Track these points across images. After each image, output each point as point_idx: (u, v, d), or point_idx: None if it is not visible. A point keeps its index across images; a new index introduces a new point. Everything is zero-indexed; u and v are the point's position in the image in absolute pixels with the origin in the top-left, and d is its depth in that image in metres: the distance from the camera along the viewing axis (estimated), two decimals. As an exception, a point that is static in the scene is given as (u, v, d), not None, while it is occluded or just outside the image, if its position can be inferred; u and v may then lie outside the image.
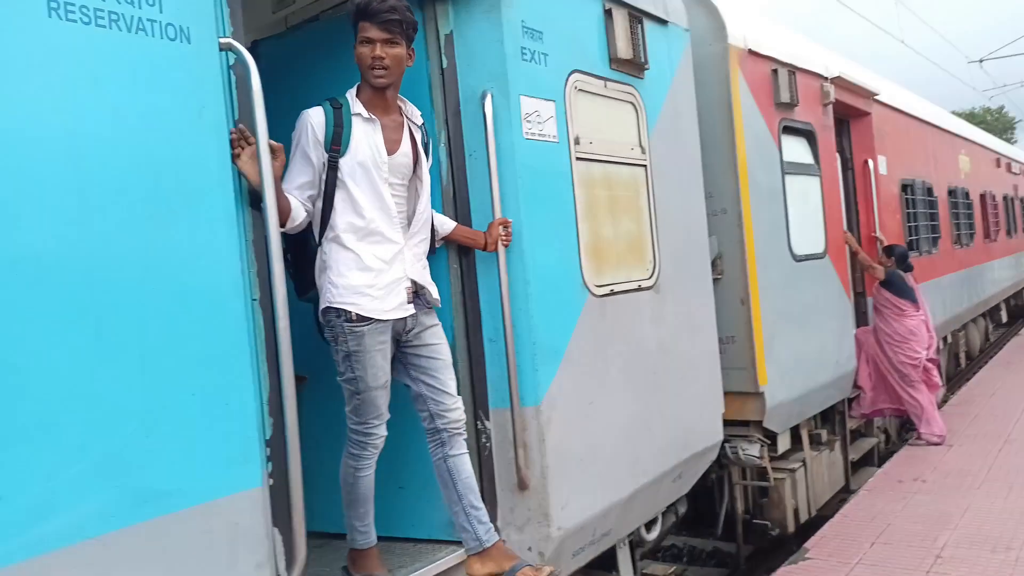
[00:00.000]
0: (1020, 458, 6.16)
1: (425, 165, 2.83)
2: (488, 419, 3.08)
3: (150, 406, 1.92)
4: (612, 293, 3.60)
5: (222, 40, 2.19)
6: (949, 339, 10.02)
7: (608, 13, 3.65)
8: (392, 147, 2.70)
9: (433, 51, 3.05)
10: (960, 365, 11.02)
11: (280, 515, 2.23)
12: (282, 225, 2.46)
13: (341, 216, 2.61)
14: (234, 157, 2.19)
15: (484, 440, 3.08)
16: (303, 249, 2.73)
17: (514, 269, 3.08)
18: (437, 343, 2.83)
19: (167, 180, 2.01)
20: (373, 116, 2.66)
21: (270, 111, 2.30)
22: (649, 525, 4.23)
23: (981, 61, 22.19)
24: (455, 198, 3.09)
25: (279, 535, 2.24)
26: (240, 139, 2.21)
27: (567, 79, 3.39)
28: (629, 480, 3.63)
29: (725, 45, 4.81)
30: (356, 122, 2.63)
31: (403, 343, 2.77)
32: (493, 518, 3.11)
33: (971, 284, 10.52)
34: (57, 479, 1.73)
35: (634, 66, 3.82)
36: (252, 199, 2.28)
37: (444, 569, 2.96)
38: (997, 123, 52.49)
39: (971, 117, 49.57)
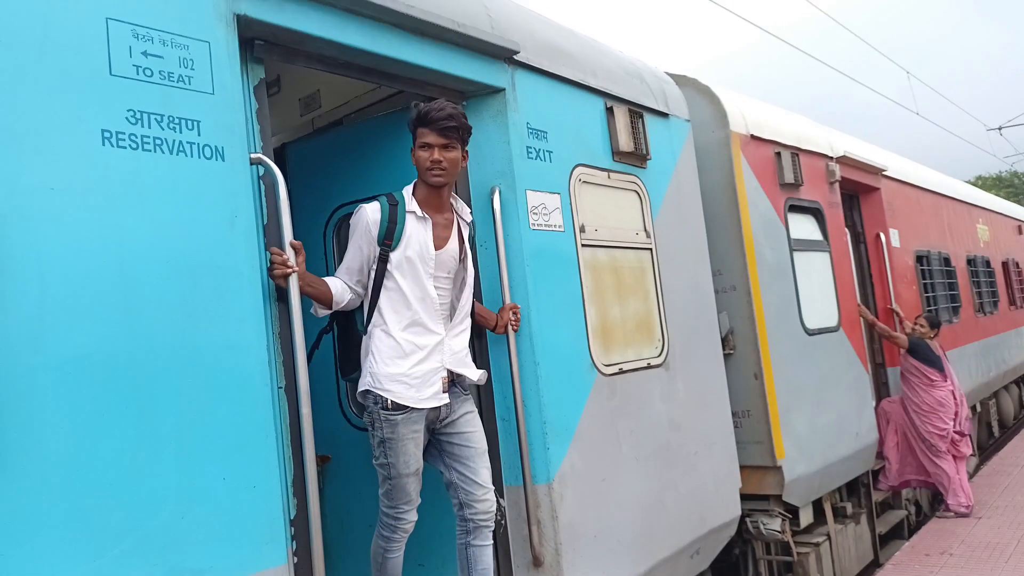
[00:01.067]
0: (1052, 530, 6.05)
1: (469, 260, 3.02)
2: (503, 496, 3.21)
3: (185, 490, 2.10)
4: (621, 372, 3.76)
5: (252, 156, 2.46)
6: (979, 408, 9.90)
7: (610, 111, 3.92)
8: (440, 243, 2.90)
9: (446, 153, 3.31)
10: (993, 434, 10.83)
11: (303, 591, 2.37)
12: (327, 307, 2.78)
13: (387, 305, 2.80)
14: (272, 273, 2.45)
15: (499, 517, 3.19)
16: (350, 332, 2.96)
17: (524, 350, 3.26)
18: (471, 431, 2.95)
19: (203, 282, 2.24)
20: (426, 215, 2.88)
21: (297, 207, 2.56)
22: (668, 603, 4.25)
23: (1000, 129, 22.37)
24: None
25: (302, 611, 2.37)
26: (280, 262, 2.47)
27: (571, 172, 3.65)
28: (645, 556, 3.70)
29: (727, 132, 5.07)
30: (409, 219, 2.84)
31: (437, 430, 2.91)
32: (508, 597, 3.21)
33: (998, 352, 10.44)
34: (104, 557, 1.91)
35: (636, 157, 4.07)
36: (282, 293, 2.52)
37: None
38: (1024, 186, 52.21)
39: (999, 181, 49.46)
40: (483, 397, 3.26)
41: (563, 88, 3.71)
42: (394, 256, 2.81)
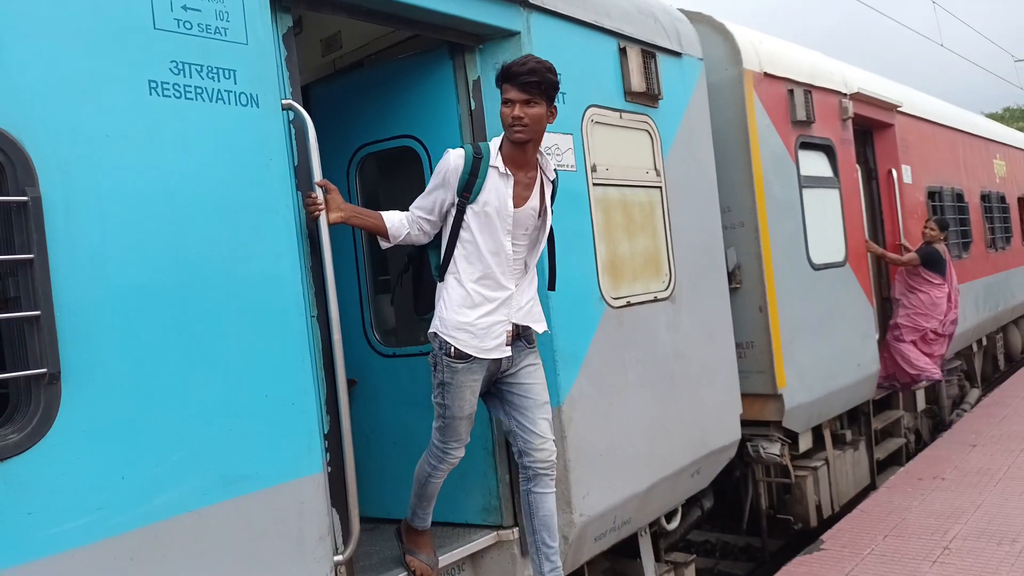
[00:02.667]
0: (1043, 458, 6.32)
1: (549, 218, 3.05)
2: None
3: (231, 406, 2.36)
4: (629, 304, 3.97)
5: (284, 102, 2.64)
6: (984, 341, 10.09)
7: (623, 51, 4.02)
8: (519, 201, 2.91)
9: (463, 95, 3.47)
10: (999, 367, 11.04)
11: (337, 498, 2.67)
12: (385, 239, 2.93)
13: (461, 256, 2.86)
14: (311, 212, 2.66)
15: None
16: (425, 273, 3.06)
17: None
18: (532, 383, 3.03)
19: (243, 220, 2.46)
20: (508, 171, 2.87)
21: (321, 147, 2.75)
22: (670, 516, 4.57)
23: (1028, 58, 21.77)
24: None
25: (336, 514, 2.67)
26: (311, 202, 2.68)
27: (584, 113, 3.78)
28: (647, 474, 3.99)
29: (740, 70, 5.14)
30: (491, 174, 2.85)
31: (499, 379, 3.02)
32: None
33: (1007, 287, 10.54)
34: (164, 463, 2.19)
35: (648, 97, 4.19)
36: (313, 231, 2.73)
37: (478, 550, 3.38)
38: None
39: (1026, 112, 48.12)
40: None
41: (577, 30, 3.81)
42: (471, 209, 2.83)
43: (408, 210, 2.96)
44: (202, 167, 2.37)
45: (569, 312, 3.58)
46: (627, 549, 4.31)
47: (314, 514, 2.52)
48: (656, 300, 4.18)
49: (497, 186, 2.85)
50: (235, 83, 2.47)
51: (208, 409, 2.30)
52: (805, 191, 5.66)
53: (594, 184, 3.81)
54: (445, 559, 3.18)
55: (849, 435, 6.47)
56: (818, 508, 5.82)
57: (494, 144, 2.91)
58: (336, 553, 2.61)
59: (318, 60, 4.13)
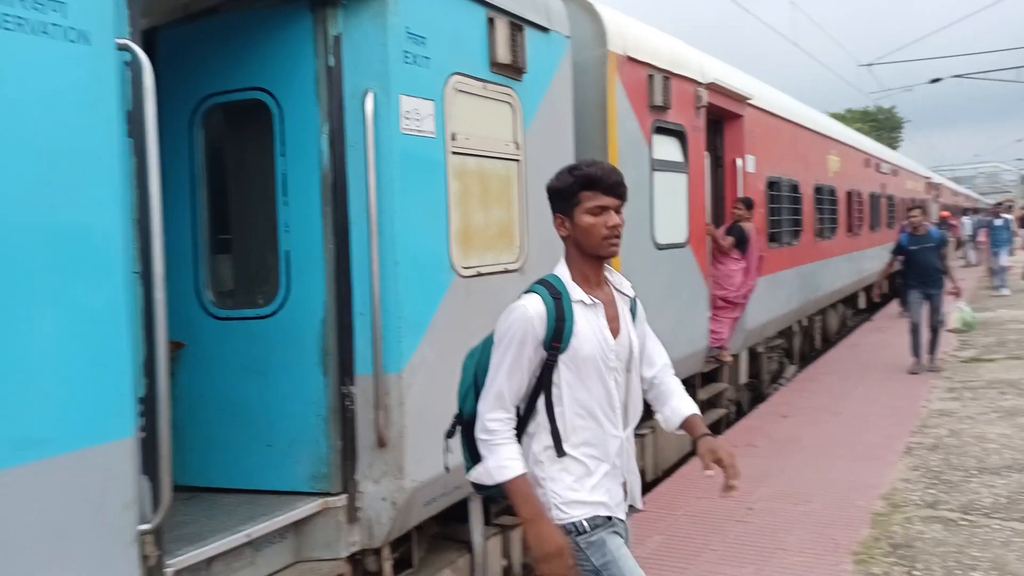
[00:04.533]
0: (841, 429, 7.06)
1: (649, 339, 2.63)
2: (353, 384, 3.47)
3: (33, 364, 2.20)
4: (479, 275, 4.03)
5: (119, 41, 2.44)
6: (805, 322, 11.04)
7: (491, 21, 4.01)
8: (615, 328, 2.40)
9: (321, 50, 3.35)
10: (816, 347, 12.15)
11: (149, 465, 2.56)
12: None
13: (560, 420, 2.32)
14: None
15: (348, 403, 3.47)
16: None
17: (385, 251, 3.44)
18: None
19: (62, 167, 2.27)
20: (596, 300, 2.37)
21: (166, 93, 2.56)
22: (504, 480, 4.73)
23: (870, 65, 23.65)
24: (335, 185, 3.42)
25: (147, 482, 2.57)
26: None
27: (447, 80, 3.75)
28: (483, 440, 4.10)
29: (605, 51, 5.26)
30: (577, 310, 2.32)
31: None
32: (352, 472, 3.51)
33: (829, 273, 11.56)
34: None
35: (513, 70, 4.21)
36: (141, 180, 2.55)
37: (305, 516, 3.37)
38: (888, 122, 55.82)
39: (865, 115, 52.51)
40: (342, 291, 3.45)
41: (446, -6, 3.75)
42: (565, 360, 2.30)
43: (495, 420, 2.32)
44: (17, 106, 2.16)
45: (417, 279, 3.59)
46: (458, 513, 4.44)
47: (120, 481, 2.41)
48: (506, 271, 4.26)
49: (589, 320, 2.34)
50: (64, 17, 2.26)
51: (4, 366, 2.14)
52: (656, 174, 5.92)
53: (452, 152, 3.80)
54: (265, 527, 3.14)
55: (677, 405, 6.91)
56: (643, 473, 6.23)
57: (563, 275, 2.39)
58: (142, 522, 2.52)
59: (169, 2, 3.84)
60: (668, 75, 5.92)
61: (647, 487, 6.09)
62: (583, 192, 2.35)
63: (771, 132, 8.74)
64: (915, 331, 9.39)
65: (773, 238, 8.87)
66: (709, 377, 7.88)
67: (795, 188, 9.68)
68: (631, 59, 5.48)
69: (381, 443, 3.50)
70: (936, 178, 31.54)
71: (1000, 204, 19.57)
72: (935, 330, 9.45)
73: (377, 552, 3.65)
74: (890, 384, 8.88)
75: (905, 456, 6.19)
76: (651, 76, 5.71)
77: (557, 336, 2.27)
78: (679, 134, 6.30)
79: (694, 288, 6.69)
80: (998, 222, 17.60)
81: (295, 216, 3.49)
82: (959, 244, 28.65)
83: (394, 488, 3.53)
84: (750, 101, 7.75)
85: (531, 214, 4.45)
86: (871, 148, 15.95)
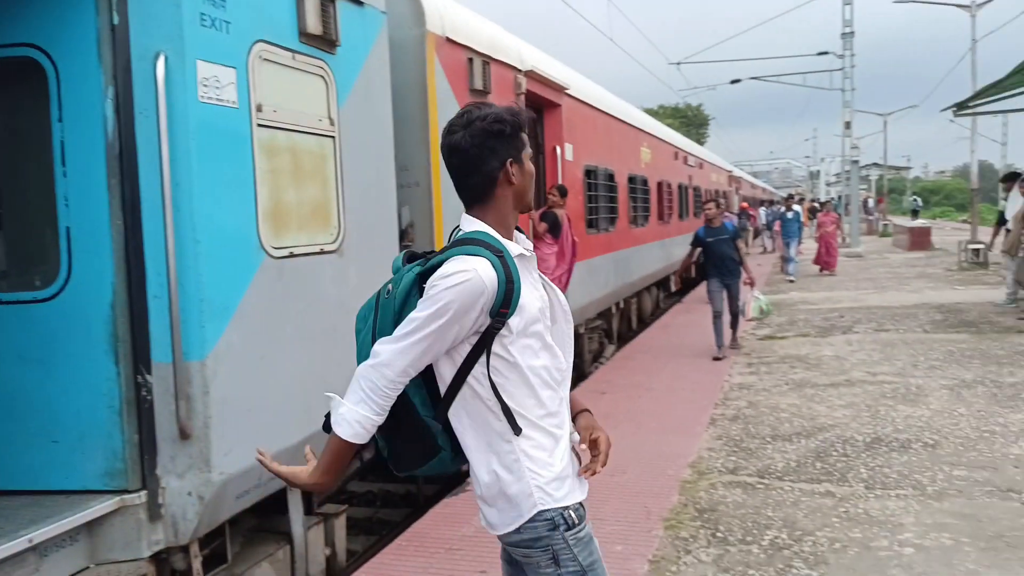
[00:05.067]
0: (654, 404, 7.47)
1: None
2: (150, 373, 3.19)
3: None
4: (292, 255, 3.84)
5: None
6: (622, 304, 11.61)
7: (299, -12, 3.82)
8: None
9: (104, 7, 3.03)
10: (632, 327, 12.83)
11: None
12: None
13: (519, 391, 1.98)
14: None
15: (145, 393, 3.19)
16: (405, 420, 2.03)
17: (183, 228, 3.19)
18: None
19: None
20: (530, 251, 2.08)
21: None
22: (325, 470, 4.58)
23: (679, 64, 25.29)
24: (121, 155, 3.12)
25: None
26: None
27: (251, 48, 3.53)
28: (301, 428, 3.93)
29: (423, 31, 5.20)
30: (519, 265, 1.99)
31: None
32: (153, 466, 3.25)
33: (643, 259, 12.23)
34: None
35: (325, 42, 4.04)
36: None
37: (99, 516, 3.06)
38: (696, 119, 60.10)
39: (676, 111, 56.25)
40: (134, 273, 3.15)
41: (247, -44, 3.53)
42: (514, 324, 1.96)
43: (364, 374, 1.95)
44: None
45: (221, 260, 3.35)
46: (279, 504, 4.25)
47: None
48: (323, 252, 4.10)
49: (527, 278, 2.04)
50: None
51: None
52: (478, 157, 5.94)
53: (259, 125, 3.59)
54: (50, 530, 2.83)
55: (502, 387, 7.03)
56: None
57: (484, 228, 2.02)
58: None
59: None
60: (488, 59, 5.97)
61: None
62: (522, 135, 2.07)
63: (588, 122, 9.07)
64: (717, 318, 9.59)
65: (591, 224, 9.23)
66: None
67: (611, 177, 10.13)
68: (450, 40, 5.46)
69: (184, 435, 3.25)
70: (737, 172, 34.37)
71: (791, 197, 21.57)
72: (734, 316, 9.84)
73: (185, 549, 3.41)
74: (697, 361, 9.53)
75: (710, 427, 6.65)
76: (471, 59, 5.72)
77: (506, 300, 1.93)
78: (500, 119, 6.36)
79: (517, 271, 6.80)
80: (789, 214, 19.26)
81: (76, 189, 3.15)
82: (757, 233, 31.38)
83: (200, 482, 3.29)
84: (568, 91, 7.99)
85: (348, 193, 4.31)
86: (680, 142, 17.06)
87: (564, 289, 7.72)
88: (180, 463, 3.30)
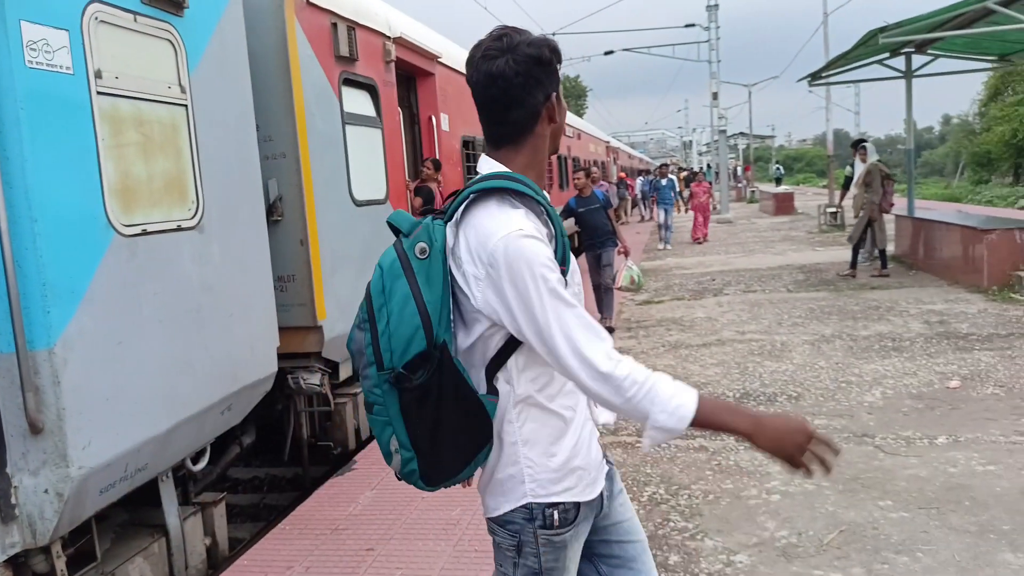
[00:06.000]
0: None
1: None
2: (-13, 365, 2.92)
3: None
4: (145, 233, 3.60)
5: None
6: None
7: (138, -56, 3.54)
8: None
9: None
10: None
11: None
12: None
13: (536, 363, 1.72)
14: None
15: (-18, 386, 2.92)
16: (453, 404, 1.69)
17: (17, 204, 2.92)
18: (630, 517, 2.01)
19: None
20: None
21: None
22: (198, 457, 4.38)
23: (554, 34, 25.45)
24: (-64, 126, 2.81)
25: None
26: None
27: (84, 9, 3.25)
28: (166, 416, 3.72)
29: (282, -7, 4.95)
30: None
31: (593, 527, 1.92)
32: (2, 465, 3.01)
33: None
34: None
35: (170, 3, 3.78)
36: None
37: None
38: (574, 90, 60.94)
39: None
40: (-40, 255, 2.86)
41: (76, -94, 3.23)
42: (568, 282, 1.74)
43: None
44: None
45: (64, 239, 3.10)
46: (151, 496, 4.03)
47: None
48: (180, 229, 3.87)
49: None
50: None
51: None
52: (348, 127, 5.77)
53: (99, 93, 3.32)
54: None
55: (389, 362, 6.93)
56: (357, 432, 6.16)
57: (518, 175, 1.75)
58: None
59: None
60: (353, 25, 5.77)
61: (361, 444, 6.04)
62: (556, 80, 1.80)
63: (465, 92, 8.94)
64: (597, 289, 9.41)
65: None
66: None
67: (490, 148, 10.09)
68: (312, 4, 5.24)
69: (35, 429, 3.01)
70: (614, 143, 35.18)
71: (664, 166, 22.24)
72: (605, 287, 9.46)
73: (47, 550, 3.19)
74: (581, 326, 9.72)
75: (593, 387, 6.81)
76: (335, 24, 5.52)
77: (562, 257, 1.69)
78: (370, 88, 6.19)
79: (396, 245, 6.68)
80: (664, 182, 19.93)
81: None
82: (635, 203, 32.32)
83: (58, 478, 3.06)
84: (441, 60, 7.87)
85: (206, 166, 4.08)
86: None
87: None
88: (33, 459, 3.05)
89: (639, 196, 30.55)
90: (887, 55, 12.89)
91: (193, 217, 3.97)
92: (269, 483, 6.72)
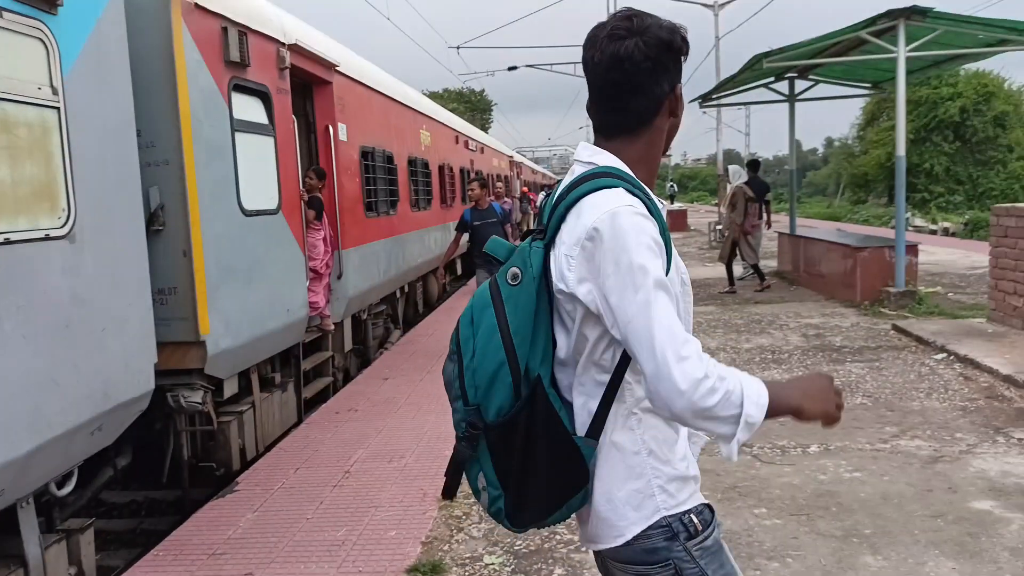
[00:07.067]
0: (435, 386, 7.53)
1: None
2: None
3: None
4: (8, 242, 3.37)
5: None
6: (407, 288, 11.59)
7: (2, -65, 3.33)
8: None
9: None
10: (418, 311, 12.86)
11: None
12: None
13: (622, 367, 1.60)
14: None
15: None
16: (550, 445, 1.55)
17: None
18: None
19: None
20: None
21: None
22: (65, 481, 4.11)
23: (458, 48, 25.57)
24: None
25: None
26: None
27: (-60, 1, 3.03)
28: (27, 437, 3.48)
29: (167, -5, 4.76)
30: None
31: None
32: None
33: (426, 242, 12.27)
34: None
35: (43, 0, 3.57)
36: None
37: None
38: (481, 103, 61.25)
39: (460, 96, 57.02)
40: None
41: None
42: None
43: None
44: None
45: (-91, 248, 2.86)
46: (9, 524, 3.75)
47: None
48: (48, 239, 3.64)
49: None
50: None
51: None
52: (238, 135, 5.60)
53: (-45, 92, 3.09)
54: None
55: (278, 377, 6.74)
56: (243, 451, 5.94)
57: (623, 170, 1.61)
58: None
59: None
60: (245, 30, 5.61)
61: (246, 464, 5.83)
62: (680, 65, 1.64)
63: (364, 102, 8.88)
64: None
65: (370, 208, 9.08)
66: (314, 347, 7.83)
67: (390, 159, 10.02)
68: (201, 7, 5.06)
69: None
70: (518, 157, 35.56)
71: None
72: None
73: None
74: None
75: (488, 401, 6.83)
76: (225, 28, 5.35)
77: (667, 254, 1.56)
78: (263, 95, 6.03)
79: (289, 257, 6.53)
80: None
81: None
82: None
83: None
84: (339, 69, 7.76)
85: (80, 172, 3.86)
86: (461, 126, 17.28)
87: (327, 274, 7.52)
88: None
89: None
90: (772, 79, 13.60)
91: (64, 226, 3.74)
92: (148, 507, 6.38)
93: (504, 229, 8.81)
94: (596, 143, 1.65)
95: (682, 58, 1.60)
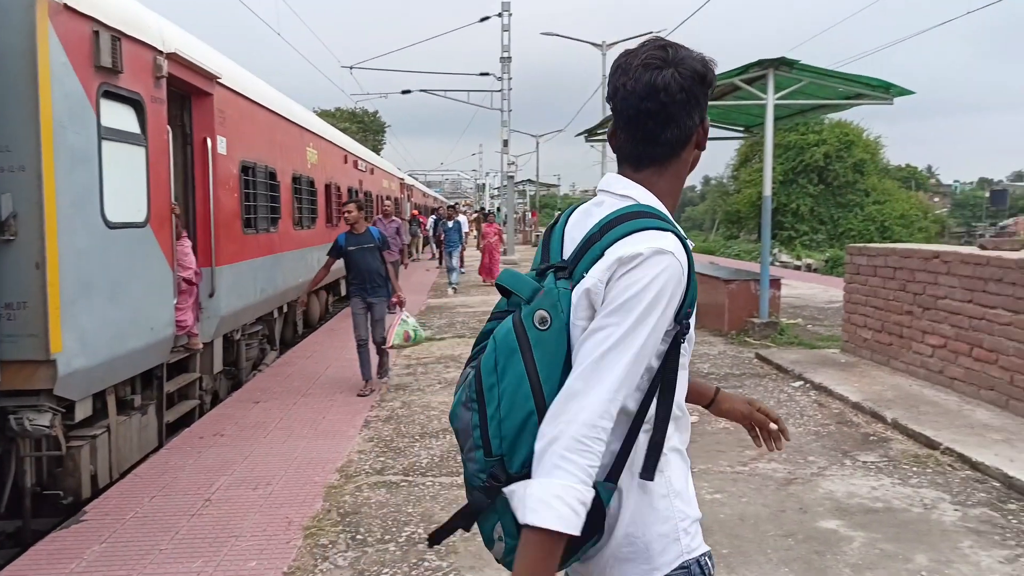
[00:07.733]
0: (309, 410, 7.34)
1: None
2: None
3: None
4: None
5: None
6: (286, 308, 11.26)
7: None
8: None
9: None
10: (298, 332, 12.50)
11: None
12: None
13: (664, 408, 1.53)
14: None
15: None
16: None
17: None
18: None
19: None
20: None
21: None
22: None
23: (352, 68, 25.32)
24: None
25: None
26: None
27: None
28: None
29: (32, -8, 4.49)
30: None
31: None
32: None
33: (309, 261, 11.99)
34: None
35: None
36: None
37: None
38: (374, 124, 60.73)
39: (353, 116, 56.40)
40: None
41: None
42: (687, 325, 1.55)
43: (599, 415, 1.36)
44: None
45: None
46: None
47: None
48: None
49: None
50: None
51: None
52: (106, 143, 5.32)
53: None
54: None
55: (139, 399, 6.38)
56: (95, 479, 5.56)
57: (654, 201, 1.57)
58: None
59: None
60: (119, 35, 5.37)
61: (97, 492, 5.46)
62: (707, 98, 1.62)
63: (246, 116, 8.64)
64: (362, 347, 8.00)
65: (249, 224, 8.80)
66: (181, 367, 7.46)
67: (272, 175, 9.76)
68: (70, 8, 4.81)
69: None
70: (409, 180, 35.46)
71: (454, 207, 22.53)
72: (378, 346, 8.21)
73: None
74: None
75: (363, 429, 6.70)
76: (97, 32, 5.09)
77: (692, 300, 1.51)
78: (135, 103, 5.76)
79: (156, 272, 6.22)
80: (451, 224, 19.78)
81: None
82: (427, 241, 32.65)
83: None
84: (221, 80, 7.52)
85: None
86: (350, 146, 17.06)
87: (197, 291, 7.22)
88: None
89: (431, 234, 30.94)
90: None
91: None
92: (-12, 540, 5.87)
93: (381, 255, 8.03)
94: (623, 172, 1.61)
95: (709, 91, 1.60)
